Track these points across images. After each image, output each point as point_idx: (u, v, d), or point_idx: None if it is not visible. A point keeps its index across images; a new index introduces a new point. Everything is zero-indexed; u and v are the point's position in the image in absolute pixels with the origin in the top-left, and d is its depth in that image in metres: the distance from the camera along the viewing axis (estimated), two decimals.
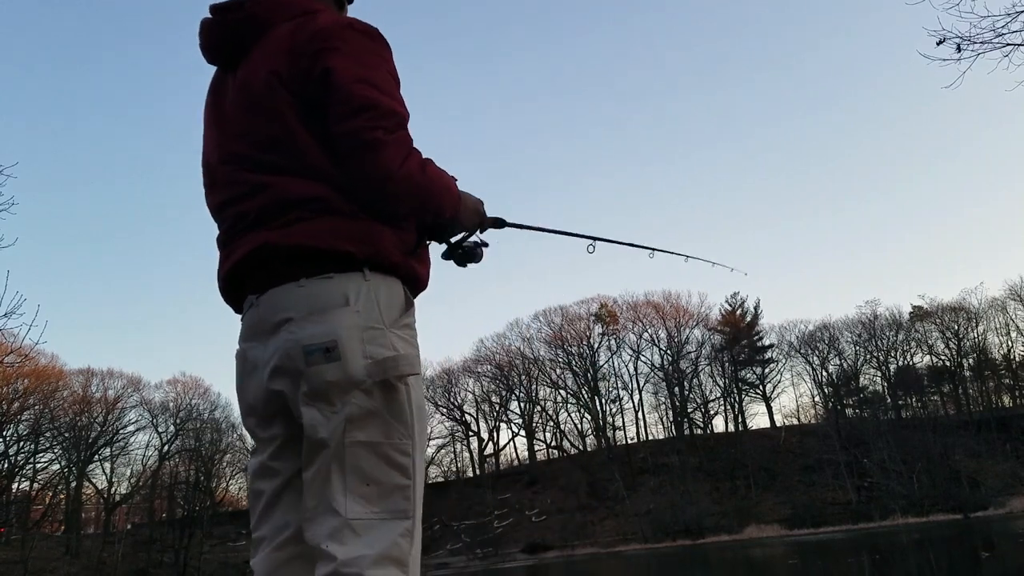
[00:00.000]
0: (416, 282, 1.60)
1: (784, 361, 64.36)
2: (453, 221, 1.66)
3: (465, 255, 1.79)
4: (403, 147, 1.48)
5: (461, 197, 1.64)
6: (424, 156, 1.53)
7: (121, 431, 56.34)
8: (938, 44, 7.65)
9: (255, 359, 1.52)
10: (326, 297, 1.44)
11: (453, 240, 1.76)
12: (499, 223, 1.84)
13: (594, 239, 2.02)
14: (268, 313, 1.49)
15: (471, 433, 67.17)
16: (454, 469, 68.42)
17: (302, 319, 1.44)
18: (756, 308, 66.12)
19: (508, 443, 73.86)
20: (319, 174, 1.50)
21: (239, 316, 1.62)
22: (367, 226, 1.50)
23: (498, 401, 65.82)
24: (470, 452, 68.15)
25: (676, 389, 63.19)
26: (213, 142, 1.65)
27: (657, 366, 63.96)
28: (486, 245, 1.80)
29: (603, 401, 63.97)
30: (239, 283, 1.57)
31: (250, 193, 1.53)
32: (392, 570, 1.37)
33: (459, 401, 65.65)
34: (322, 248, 1.46)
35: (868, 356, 62.86)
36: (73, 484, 55.06)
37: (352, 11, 1.80)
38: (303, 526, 1.43)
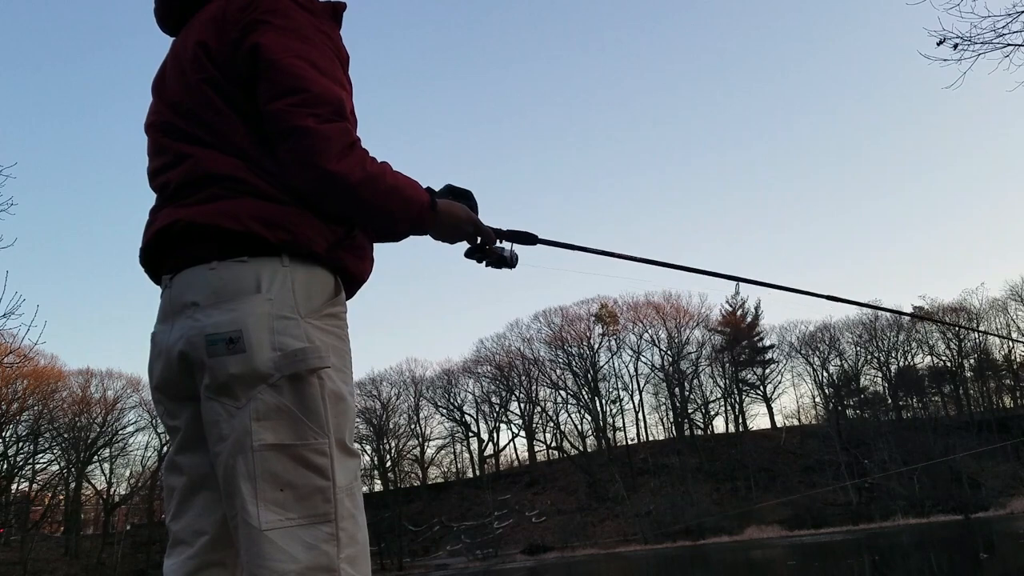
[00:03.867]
0: (346, 275, 1.48)
1: (785, 362, 64.49)
2: (416, 232, 1.53)
3: (494, 261, 1.75)
4: (338, 140, 1.34)
5: (435, 208, 1.50)
6: (379, 159, 1.42)
7: (120, 432, 56.47)
8: (938, 44, 7.65)
9: (162, 343, 1.41)
10: (236, 282, 1.33)
11: (472, 245, 1.72)
12: (529, 239, 1.79)
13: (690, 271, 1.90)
14: (177, 295, 1.39)
15: (471, 434, 67.18)
16: (454, 470, 68.49)
17: (208, 305, 1.32)
18: (757, 308, 66.14)
19: (508, 444, 73.87)
20: (241, 153, 1.39)
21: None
22: (288, 212, 1.37)
23: (498, 402, 65.83)
24: (470, 453, 68.19)
25: (676, 390, 63.18)
26: (151, 108, 1.58)
27: (657, 367, 64.03)
28: (514, 256, 1.77)
29: (603, 402, 64.02)
30: (156, 260, 1.47)
31: (173, 163, 1.46)
32: None
33: (459, 402, 65.68)
34: (236, 230, 1.34)
35: (869, 357, 62.93)
36: (72, 485, 55.10)
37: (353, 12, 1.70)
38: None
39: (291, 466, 1.29)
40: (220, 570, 1.38)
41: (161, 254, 1.45)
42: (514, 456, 69.30)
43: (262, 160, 1.39)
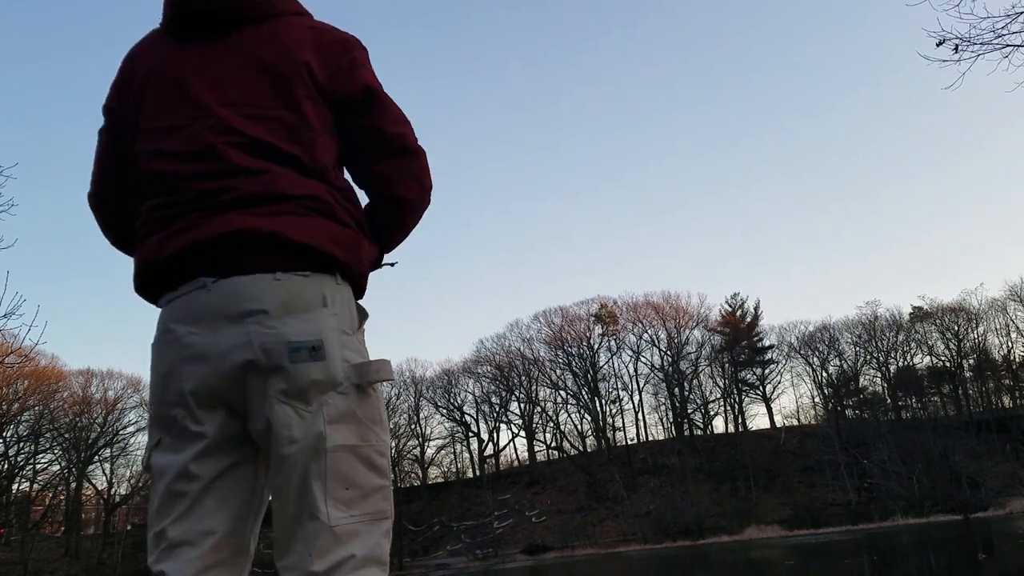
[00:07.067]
0: (362, 295, 1.60)
1: (784, 362, 64.53)
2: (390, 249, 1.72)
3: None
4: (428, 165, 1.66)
5: None
6: None
7: (121, 432, 56.46)
8: (938, 45, 7.67)
9: (202, 346, 1.40)
10: (306, 296, 1.41)
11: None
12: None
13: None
14: (228, 300, 1.39)
15: (471, 434, 67.20)
16: (454, 470, 68.52)
17: (281, 314, 1.38)
18: (756, 309, 66.23)
19: (508, 444, 73.96)
20: (323, 173, 1.50)
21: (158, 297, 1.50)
22: (355, 236, 1.52)
23: (498, 402, 65.83)
24: (470, 453, 68.22)
25: (676, 390, 63.20)
26: (185, 102, 1.52)
27: (657, 367, 64.07)
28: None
29: (603, 402, 64.04)
30: (187, 263, 1.45)
31: (237, 173, 1.45)
32: (374, 570, 1.37)
33: (459, 402, 65.68)
34: (314, 247, 1.42)
35: (868, 357, 62.94)
36: (73, 485, 55.16)
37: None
38: (279, 536, 1.38)
39: (357, 467, 1.39)
40: (224, 569, 1.40)
41: (201, 258, 1.43)
42: (514, 456, 69.42)
43: (337, 182, 1.53)
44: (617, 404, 64.56)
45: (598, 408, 63.59)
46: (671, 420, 64.29)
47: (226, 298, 1.39)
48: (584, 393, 64.07)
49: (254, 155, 1.46)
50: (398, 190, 1.60)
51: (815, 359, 62.98)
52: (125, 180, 1.59)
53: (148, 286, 1.52)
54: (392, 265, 1.70)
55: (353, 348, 1.44)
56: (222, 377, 1.38)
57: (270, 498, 1.44)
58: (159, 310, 1.50)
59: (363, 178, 1.62)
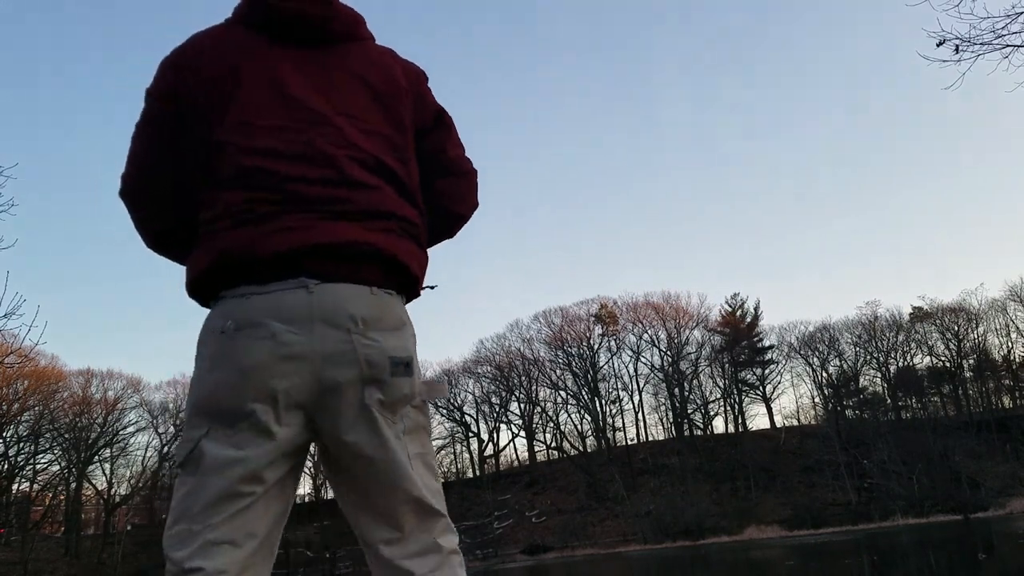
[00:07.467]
0: None
1: (784, 362, 64.49)
2: None
3: None
4: None
5: None
6: None
7: (121, 432, 56.54)
8: (938, 45, 7.69)
9: (301, 347, 1.40)
10: (395, 313, 1.50)
11: None
12: None
13: None
14: (330, 305, 1.42)
15: (471, 434, 67.22)
16: (454, 470, 68.39)
17: (377, 328, 1.45)
18: (756, 309, 66.23)
19: (508, 444, 73.80)
20: (413, 197, 1.60)
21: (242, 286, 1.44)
22: (427, 259, 1.63)
23: (498, 402, 65.85)
24: (470, 453, 68.22)
25: (676, 390, 63.21)
26: (290, 103, 1.52)
27: (657, 367, 64.08)
28: None
29: (603, 402, 64.03)
30: (292, 261, 1.43)
31: (355, 185, 1.50)
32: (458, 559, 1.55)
33: (459, 402, 65.61)
34: (410, 270, 1.54)
35: (868, 357, 62.94)
36: (73, 485, 55.16)
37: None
38: (377, 534, 1.49)
39: (428, 471, 1.53)
40: (255, 571, 1.42)
41: (312, 258, 1.43)
42: (514, 456, 69.41)
43: (422, 205, 1.64)
44: (617, 404, 64.68)
45: (598, 408, 63.65)
46: (671, 420, 64.36)
47: (328, 303, 1.42)
48: (584, 393, 64.15)
49: (370, 171, 1.53)
50: (456, 207, 1.74)
51: (815, 359, 63.07)
52: (182, 170, 1.54)
53: (224, 276, 1.45)
54: (432, 288, 1.74)
55: (419, 367, 1.55)
56: (318, 380, 1.40)
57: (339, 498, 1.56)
58: (222, 300, 1.45)
59: (424, 194, 1.68)
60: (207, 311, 1.50)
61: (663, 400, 64.63)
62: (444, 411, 65.20)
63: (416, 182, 1.62)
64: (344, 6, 1.64)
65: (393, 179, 1.55)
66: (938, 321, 62.12)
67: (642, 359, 64.16)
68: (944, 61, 7.70)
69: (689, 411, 63.66)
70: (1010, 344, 61.54)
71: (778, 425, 64.43)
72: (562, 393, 65.04)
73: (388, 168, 1.55)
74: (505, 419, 66.69)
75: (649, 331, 64.11)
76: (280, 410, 1.40)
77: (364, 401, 1.42)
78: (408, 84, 1.65)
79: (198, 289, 1.51)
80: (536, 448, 67.39)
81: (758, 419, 76.08)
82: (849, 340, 62.71)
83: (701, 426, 64.03)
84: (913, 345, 63.04)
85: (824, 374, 63.08)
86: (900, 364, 63.11)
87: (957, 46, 7.63)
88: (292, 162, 1.48)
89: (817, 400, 65.12)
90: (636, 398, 64.97)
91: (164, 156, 1.55)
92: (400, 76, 1.64)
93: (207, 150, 1.49)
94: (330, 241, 1.44)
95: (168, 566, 1.36)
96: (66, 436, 53.07)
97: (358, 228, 1.47)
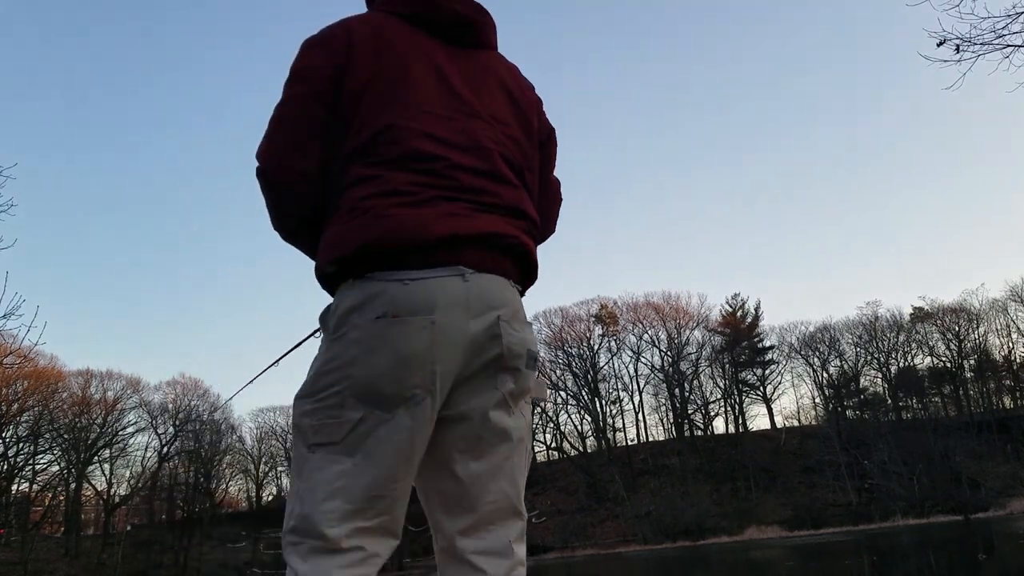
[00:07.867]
0: None
1: (784, 363, 64.61)
2: None
3: None
4: None
5: None
6: None
7: (120, 432, 56.48)
8: (938, 46, 7.66)
9: (456, 332, 1.41)
10: (523, 309, 1.56)
11: None
12: None
13: None
14: (481, 294, 1.45)
15: None
16: None
17: (517, 321, 1.51)
18: (756, 309, 66.27)
19: None
20: (535, 204, 1.66)
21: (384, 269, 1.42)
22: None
23: None
24: None
25: (676, 390, 63.27)
26: (452, 95, 1.57)
27: (657, 367, 64.16)
28: None
29: (603, 402, 64.13)
30: (452, 247, 1.44)
31: (504, 182, 1.56)
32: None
33: None
34: (536, 270, 1.62)
35: (869, 357, 63.02)
36: (72, 485, 55.12)
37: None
38: (471, 521, 1.48)
39: (525, 469, 1.56)
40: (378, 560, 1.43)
41: (470, 246, 1.46)
42: None
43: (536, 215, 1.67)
44: (617, 404, 64.75)
45: (598, 409, 63.71)
46: (671, 421, 64.41)
47: (480, 292, 1.45)
48: (584, 394, 64.23)
49: (513, 170, 1.59)
50: (548, 228, 1.79)
51: (815, 360, 63.14)
52: (341, 147, 1.51)
53: (379, 256, 1.41)
54: None
55: None
56: (466, 365, 1.43)
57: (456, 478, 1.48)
58: (363, 280, 1.41)
59: None
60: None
61: (663, 400, 64.82)
62: None
63: (536, 191, 1.69)
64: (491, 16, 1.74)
65: (525, 183, 1.63)
66: (939, 321, 62.17)
67: (642, 359, 64.32)
68: (945, 61, 7.68)
69: (689, 411, 63.73)
70: (1011, 344, 61.63)
71: (778, 425, 64.59)
72: (562, 394, 65.15)
73: (523, 172, 1.63)
74: None
75: (649, 331, 64.26)
76: (436, 396, 1.41)
77: (497, 388, 1.47)
78: (536, 99, 1.74)
79: (345, 267, 1.44)
80: (536, 448, 67.43)
81: (758, 419, 76.16)
82: (850, 340, 62.87)
83: (701, 426, 64.10)
84: (914, 345, 63.17)
85: (825, 374, 63.24)
86: (901, 364, 63.21)
87: (958, 46, 7.61)
88: (458, 151, 1.52)
89: (818, 400, 65.28)
90: (636, 398, 65.18)
91: (315, 133, 1.51)
92: (531, 90, 1.74)
93: (371, 130, 1.48)
94: (488, 231, 1.48)
95: (312, 542, 1.35)
96: (65, 436, 53.07)
97: (504, 222, 1.52)
